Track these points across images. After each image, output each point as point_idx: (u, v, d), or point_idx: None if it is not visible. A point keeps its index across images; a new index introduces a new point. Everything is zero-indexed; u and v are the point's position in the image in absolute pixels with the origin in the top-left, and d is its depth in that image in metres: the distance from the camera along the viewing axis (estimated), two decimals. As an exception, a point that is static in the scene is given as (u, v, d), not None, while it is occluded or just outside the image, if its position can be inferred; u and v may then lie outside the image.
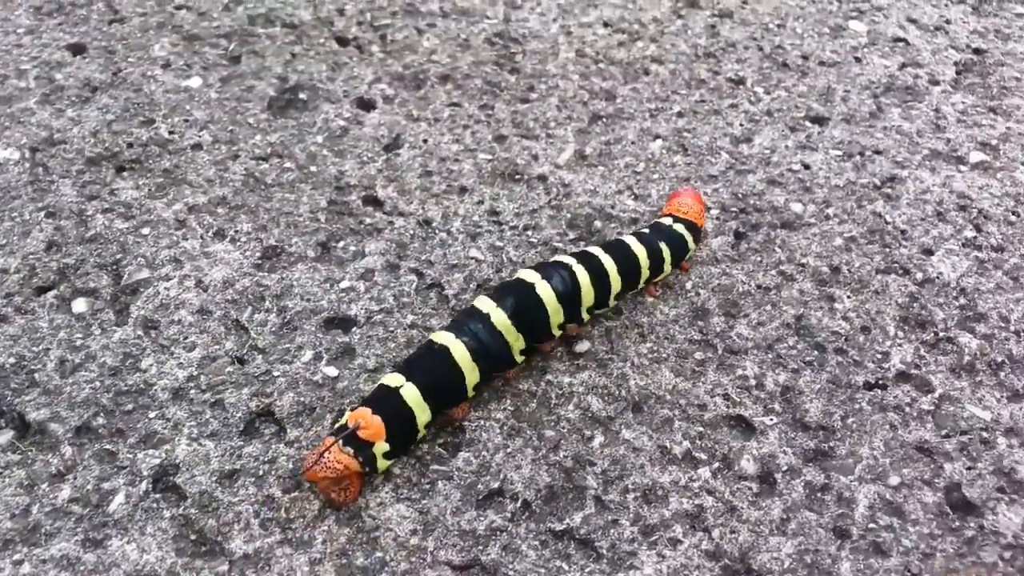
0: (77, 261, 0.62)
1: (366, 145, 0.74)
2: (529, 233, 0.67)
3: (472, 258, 0.65)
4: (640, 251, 0.61)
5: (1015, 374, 0.60)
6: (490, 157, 0.74)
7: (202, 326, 0.59)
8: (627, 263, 0.60)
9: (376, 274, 0.63)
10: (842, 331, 0.62)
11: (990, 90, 0.87)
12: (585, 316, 0.59)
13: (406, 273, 0.63)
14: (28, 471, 0.51)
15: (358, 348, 0.58)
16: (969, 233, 0.70)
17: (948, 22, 0.97)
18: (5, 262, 0.62)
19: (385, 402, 0.50)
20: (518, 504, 0.51)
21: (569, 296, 0.57)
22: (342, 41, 0.86)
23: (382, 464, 0.51)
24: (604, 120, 0.79)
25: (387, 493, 0.51)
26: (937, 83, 0.87)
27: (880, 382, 0.59)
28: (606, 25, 0.92)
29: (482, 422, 0.55)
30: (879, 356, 0.60)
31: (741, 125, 0.80)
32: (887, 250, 0.68)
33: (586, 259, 0.59)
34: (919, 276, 0.66)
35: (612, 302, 0.61)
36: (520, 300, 0.55)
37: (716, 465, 0.54)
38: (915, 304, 0.64)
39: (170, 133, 0.73)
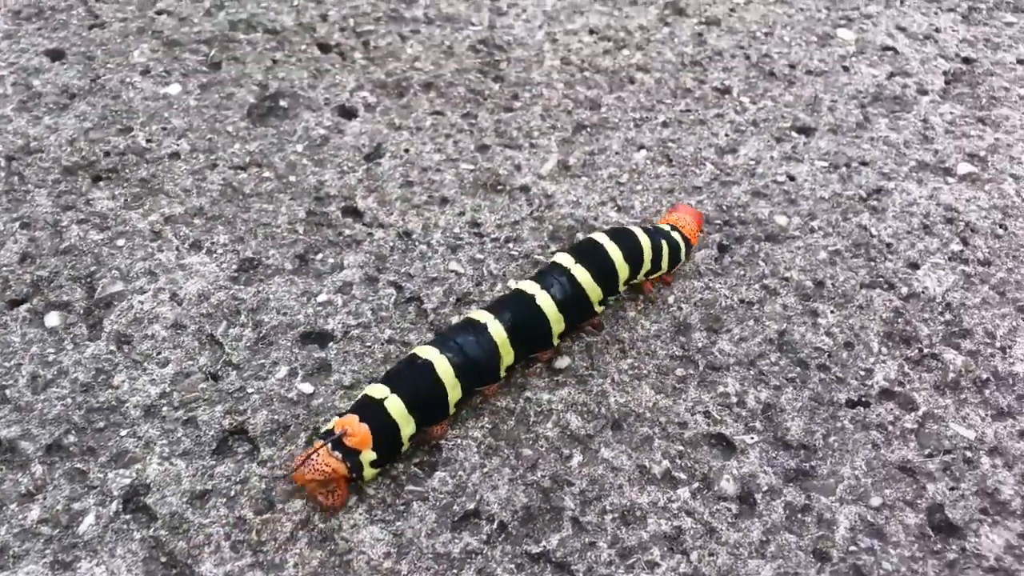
0: (51, 273, 0.61)
1: (346, 154, 0.73)
2: (510, 245, 0.66)
3: (452, 271, 0.64)
4: (645, 241, 0.61)
5: (1000, 392, 0.59)
6: (472, 167, 0.73)
7: (176, 341, 0.58)
8: (632, 250, 0.60)
9: (354, 287, 0.62)
10: (825, 347, 0.61)
11: (979, 100, 0.86)
12: (599, 309, 0.60)
13: (385, 286, 0.63)
14: (-4, 491, 0.50)
15: (334, 364, 0.57)
16: (956, 247, 0.70)
17: (938, 30, 0.96)
18: (-23, 274, 0.61)
19: (370, 412, 0.50)
20: (494, 526, 0.50)
21: (571, 300, 0.57)
22: (324, 48, 0.85)
23: (369, 472, 0.50)
24: (588, 130, 0.78)
25: (361, 515, 0.50)
26: (926, 93, 0.86)
27: (863, 400, 0.58)
28: (592, 32, 0.91)
29: (459, 440, 0.54)
30: (862, 373, 0.60)
31: (726, 135, 0.79)
32: (872, 264, 0.67)
33: (587, 254, 0.59)
34: (904, 291, 0.65)
35: (622, 288, 0.61)
36: (519, 313, 0.55)
37: (696, 485, 0.53)
38: (900, 319, 0.63)
39: (148, 141, 0.72)
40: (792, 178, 0.75)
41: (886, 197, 0.74)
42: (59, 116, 0.73)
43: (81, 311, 0.59)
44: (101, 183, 0.68)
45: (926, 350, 0.61)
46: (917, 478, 0.54)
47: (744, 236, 0.69)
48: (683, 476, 0.53)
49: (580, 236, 0.68)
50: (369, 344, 0.59)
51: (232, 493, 0.51)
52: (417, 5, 0.93)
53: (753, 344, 0.61)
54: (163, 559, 0.48)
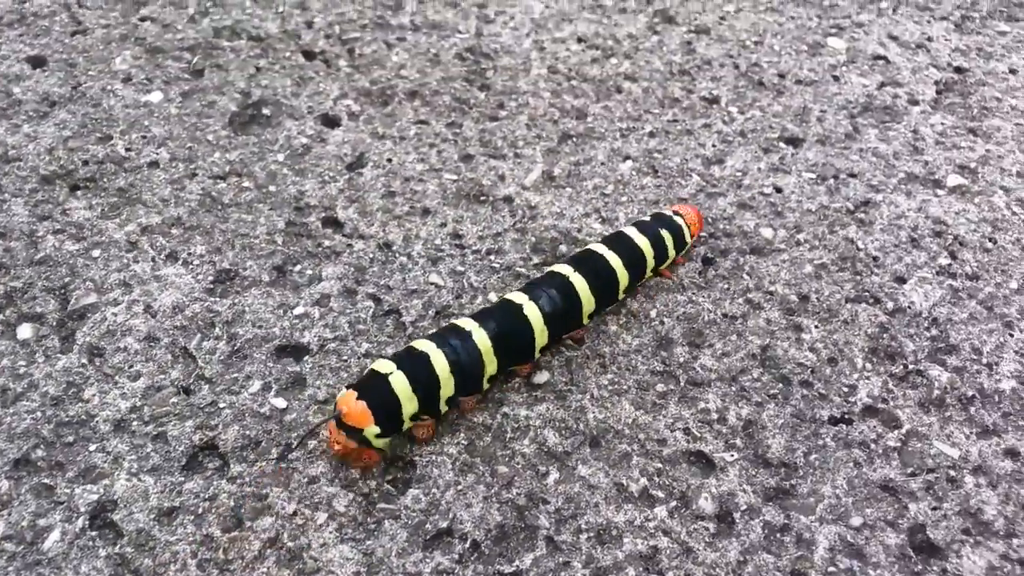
0: (25, 284, 0.61)
1: (328, 164, 0.72)
2: (492, 257, 0.66)
3: (432, 284, 0.63)
4: (643, 242, 0.62)
5: (986, 409, 0.59)
6: (455, 177, 0.72)
7: (148, 354, 0.57)
8: (632, 256, 0.61)
9: (332, 300, 0.61)
10: (808, 363, 0.60)
11: (971, 110, 0.85)
12: (586, 320, 0.60)
13: (363, 299, 0.62)
14: (-40, 507, 0.49)
15: (309, 378, 0.57)
16: (944, 260, 0.69)
17: (930, 39, 0.95)
18: (-50, 284, 0.61)
19: (372, 388, 0.50)
20: (467, 545, 0.50)
21: (563, 312, 0.57)
22: (309, 55, 0.84)
23: (379, 443, 0.51)
24: (574, 139, 0.77)
25: (331, 533, 0.49)
26: (916, 103, 0.86)
27: (846, 417, 0.57)
28: (580, 41, 0.91)
29: (434, 457, 0.53)
30: (845, 389, 0.59)
31: (713, 146, 0.78)
32: (858, 278, 0.67)
33: (586, 263, 0.59)
34: (890, 305, 0.65)
35: (621, 295, 0.62)
36: (505, 323, 0.55)
37: (673, 504, 0.52)
38: (885, 335, 0.62)
39: (127, 150, 0.71)
40: (779, 190, 0.74)
41: (874, 210, 0.73)
42: (38, 124, 0.72)
43: (54, 323, 0.58)
44: (79, 192, 0.67)
45: (911, 366, 0.61)
46: (899, 497, 0.53)
47: (729, 249, 0.68)
48: (661, 494, 0.52)
49: (563, 248, 0.67)
50: (346, 358, 0.58)
51: (200, 510, 0.50)
52: (404, 12, 0.92)
53: (735, 359, 0.60)
54: (128, 577, 0.47)
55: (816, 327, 0.63)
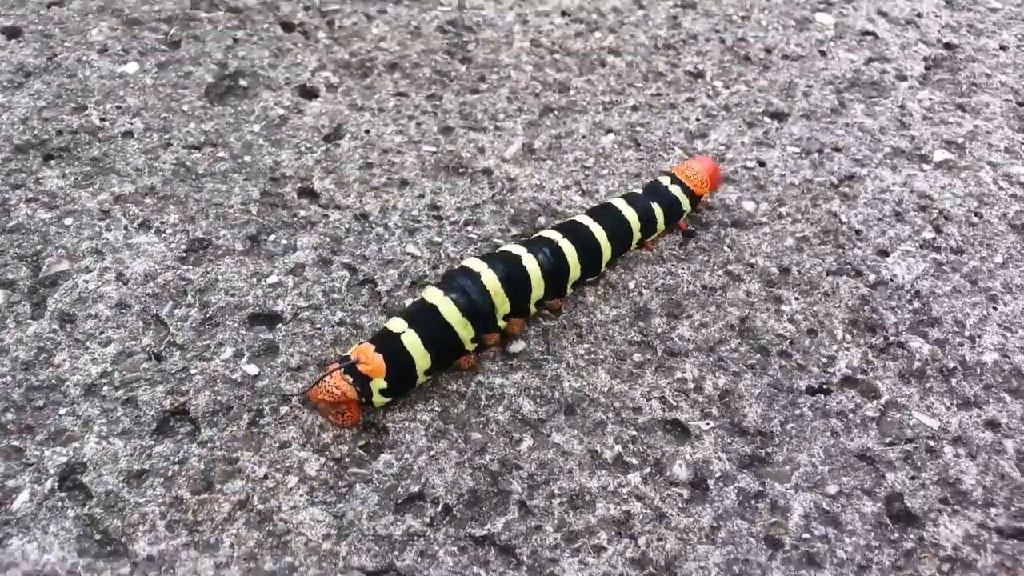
0: (-4, 251, 0.60)
1: (305, 135, 0.71)
2: (469, 228, 0.65)
3: (408, 254, 0.63)
4: (630, 214, 0.62)
5: (967, 381, 0.58)
6: (434, 149, 0.71)
7: (120, 320, 0.56)
8: (618, 228, 0.61)
9: (306, 269, 0.61)
10: (787, 334, 0.60)
11: (959, 86, 0.85)
12: (569, 290, 0.60)
13: (338, 268, 0.61)
14: (-73, 470, 0.49)
15: (282, 346, 0.56)
16: (928, 234, 0.68)
17: (920, 15, 0.95)
18: (-80, 251, 0.60)
19: (387, 344, 0.51)
20: (438, 508, 0.49)
21: (555, 272, 0.58)
22: (287, 26, 0.83)
23: (378, 400, 0.52)
24: (555, 113, 0.77)
25: (301, 496, 0.49)
26: (904, 78, 0.85)
27: (824, 387, 0.57)
28: (564, 14, 0.90)
29: (407, 423, 0.53)
30: (824, 360, 0.58)
31: (697, 120, 0.77)
32: (840, 251, 0.66)
33: (574, 231, 0.59)
34: (872, 278, 0.64)
35: (604, 268, 0.62)
36: (510, 268, 0.56)
37: (647, 470, 0.52)
38: (866, 307, 0.62)
39: (101, 120, 0.70)
40: (762, 164, 0.73)
41: (858, 184, 0.72)
42: (13, 94, 0.72)
43: (25, 289, 0.58)
44: (52, 162, 0.66)
45: (892, 338, 0.60)
46: (876, 467, 0.53)
47: (710, 222, 0.68)
48: (635, 461, 0.52)
49: (542, 220, 0.66)
50: (319, 326, 0.57)
51: (170, 473, 0.49)
52: (388, -13, 0.91)
53: (714, 330, 0.60)
54: (97, 537, 0.47)
55: (796, 299, 0.62)
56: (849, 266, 0.65)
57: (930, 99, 0.83)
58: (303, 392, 0.52)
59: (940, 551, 0.49)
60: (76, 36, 0.78)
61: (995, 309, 0.63)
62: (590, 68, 0.83)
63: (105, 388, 0.53)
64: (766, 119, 0.78)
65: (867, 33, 0.91)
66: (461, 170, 0.70)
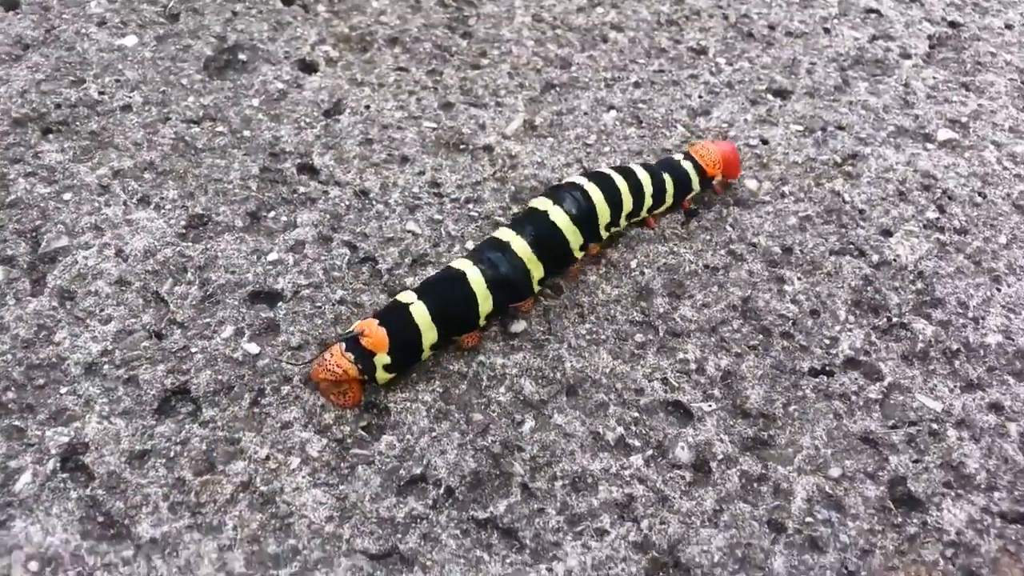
0: (-6, 227, 0.59)
1: (305, 110, 0.70)
2: (470, 206, 0.64)
3: (409, 231, 0.62)
4: (644, 177, 0.62)
5: (971, 363, 0.58)
6: (435, 125, 0.71)
7: (120, 298, 0.56)
8: (634, 183, 0.61)
9: (307, 246, 0.60)
10: (790, 315, 0.59)
11: (964, 65, 0.84)
12: (604, 234, 0.60)
13: (339, 246, 0.61)
14: (-71, 448, 0.49)
15: (283, 324, 0.56)
16: (932, 214, 0.68)
17: (923, -6, 0.94)
18: (-83, 227, 0.59)
19: (393, 316, 0.51)
20: (441, 491, 0.49)
21: (585, 216, 0.58)
22: (287, 0, 0.82)
23: (382, 376, 0.51)
24: (557, 89, 0.76)
25: (304, 478, 0.49)
26: (908, 57, 0.84)
27: (827, 368, 0.57)
28: (567, -11, 0.89)
29: (408, 404, 0.53)
30: (827, 341, 0.58)
31: (700, 97, 0.77)
32: (843, 230, 0.66)
33: (597, 178, 0.60)
34: (875, 258, 0.64)
35: (623, 222, 0.62)
36: (539, 228, 0.56)
37: (650, 452, 0.52)
38: (869, 288, 0.62)
39: (100, 94, 0.69)
40: (765, 142, 0.73)
41: (861, 163, 0.72)
42: (11, 68, 0.70)
43: (25, 266, 0.57)
44: (51, 136, 0.66)
45: (895, 319, 0.60)
46: (880, 449, 0.53)
47: (712, 201, 0.67)
48: (637, 443, 0.52)
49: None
50: (320, 304, 0.57)
51: (172, 454, 0.49)
52: (388, -41, 0.90)
53: (716, 311, 0.59)
54: (100, 519, 0.46)
55: (799, 279, 0.62)
56: (852, 246, 0.65)
57: (934, 78, 0.82)
58: (308, 363, 0.52)
59: (943, 536, 0.49)
60: (74, 8, 0.77)
61: (999, 290, 0.63)
62: (592, 44, 0.82)
63: (106, 367, 0.53)
64: (769, 96, 0.78)
65: (871, 10, 0.90)
66: (462, 147, 0.69)
